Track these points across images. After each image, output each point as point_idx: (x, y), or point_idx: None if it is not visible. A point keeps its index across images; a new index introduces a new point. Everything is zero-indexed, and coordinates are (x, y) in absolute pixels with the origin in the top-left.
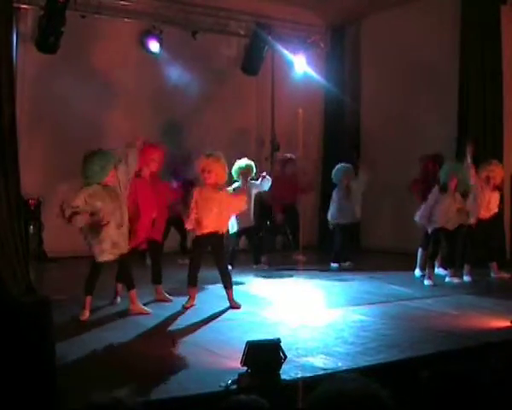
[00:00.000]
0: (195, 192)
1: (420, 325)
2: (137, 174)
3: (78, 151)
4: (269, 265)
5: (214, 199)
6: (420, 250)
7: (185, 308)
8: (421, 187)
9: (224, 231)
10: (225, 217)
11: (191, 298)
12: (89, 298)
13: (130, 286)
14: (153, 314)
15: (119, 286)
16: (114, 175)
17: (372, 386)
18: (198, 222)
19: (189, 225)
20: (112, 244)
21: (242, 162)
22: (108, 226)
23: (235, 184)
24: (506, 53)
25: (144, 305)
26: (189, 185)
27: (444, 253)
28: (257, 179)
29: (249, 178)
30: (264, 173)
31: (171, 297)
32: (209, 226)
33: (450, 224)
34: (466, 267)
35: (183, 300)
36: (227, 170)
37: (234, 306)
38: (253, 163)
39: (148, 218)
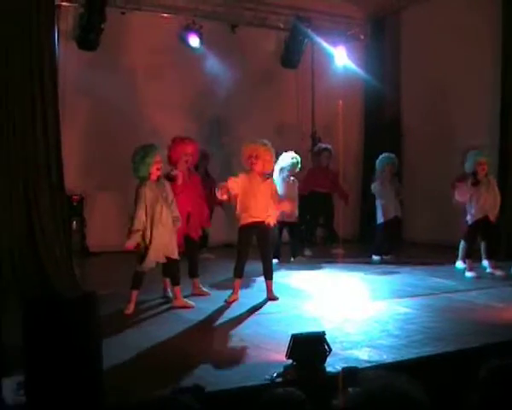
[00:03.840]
0: (241, 176)
1: (464, 317)
2: (172, 170)
3: (118, 148)
4: (308, 258)
5: (261, 188)
6: (462, 242)
7: (228, 303)
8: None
9: (271, 222)
10: (272, 208)
11: (235, 291)
12: (134, 292)
13: (174, 282)
14: (196, 308)
15: (167, 281)
16: (159, 168)
17: (401, 384)
18: (244, 210)
19: (220, 195)
20: (158, 248)
21: (293, 158)
22: (156, 229)
23: (284, 174)
24: None
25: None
26: (211, 178)
27: (486, 244)
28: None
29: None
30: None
31: (208, 291)
32: (255, 215)
33: (491, 214)
34: None
35: (221, 293)
36: (274, 158)
37: (272, 298)
38: (298, 158)
39: (184, 214)
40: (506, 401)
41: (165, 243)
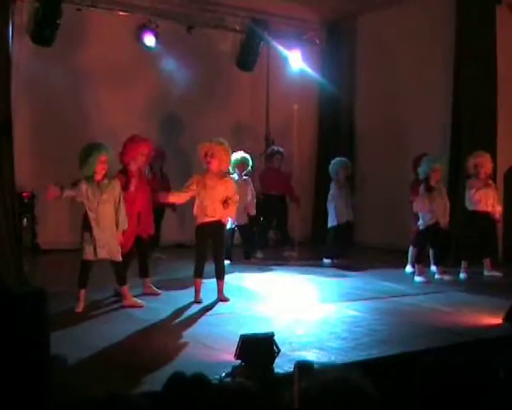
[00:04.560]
0: (196, 178)
1: (412, 320)
2: (123, 170)
3: (71, 144)
4: (260, 260)
5: (217, 187)
6: (411, 247)
7: (197, 303)
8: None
9: (227, 220)
10: (231, 206)
11: (197, 292)
12: (82, 291)
13: (120, 282)
14: (147, 307)
15: (147, 281)
16: (104, 168)
17: (353, 377)
18: (200, 210)
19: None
20: (101, 244)
21: (238, 155)
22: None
23: (234, 177)
24: (500, 50)
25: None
26: (165, 177)
27: (435, 250)
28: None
29: (244, 172)
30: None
31: (159, 290)
32: (211, 215)
33: (442, 220)
34: (463, 264)
35: (172, 293)
36: (231, 157)
37: (222, 299)
38: (248, 156)
39: (135, 214)
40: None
41: (102, 243)
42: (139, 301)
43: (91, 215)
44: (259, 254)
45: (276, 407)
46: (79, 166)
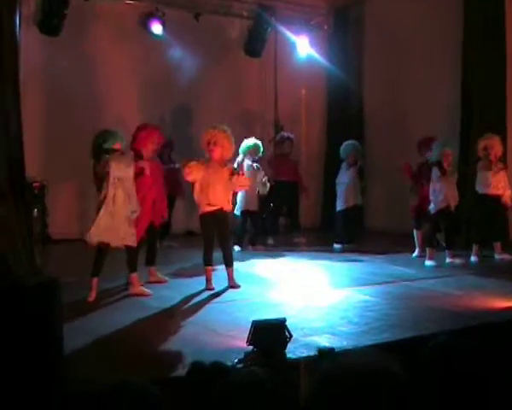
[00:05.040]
0: (200, 163)
1: (423, 305)
2: (136, 156)
3: (81, 134)
4: (267, 247)
5: (219, 175)
6: (415, 231)
7: (208, 290)
8: (413, 169)
9: (229, 208)
10: (229, 194)
11: (209, 280)
12: (94, 280)
13: (130, 269)
14: (158, 295)
15: (152, 270)
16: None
17: (385, 360)
18: (202, 199)
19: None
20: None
21: (251, 141)
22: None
23: (239, 158)
24: (509, 31)
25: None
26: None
27: (446, 234)
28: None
29: (255, 159)
30: (264, 179)
31: (165, 278)
32: (213, 203)
33: (453, 204)
34: (474, 248)
35: (183, 281)
36: (234, 145)
37: (233, 285)
38: (260, 143)
39: (150, 201)
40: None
41: (107, 227)
42: (147, 290)
43: (107, 202)
44: (270, 241)
45: (291, 394)
46: (92, 154)
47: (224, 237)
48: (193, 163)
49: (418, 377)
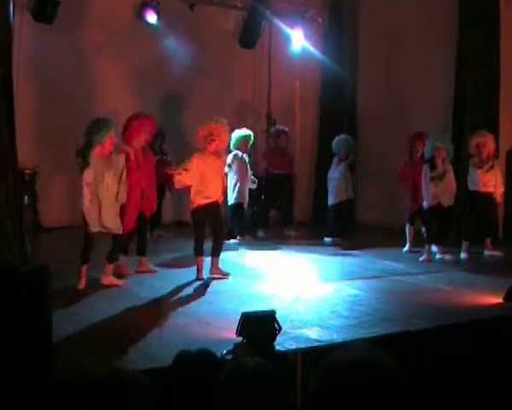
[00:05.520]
0: (197, 158)
1: (412, 300)
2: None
3: (72, 122)
4: (257, 239)
5: (214, 167)
6: (407, 226)
7: (199, 280)
8: (407, 171)
9: (221, 200)
10: (223, 186)
11: (200, 270)
12: (84, 267)
13: (111, 259)
14: (148, 285)
15: (143, 260)
16: (112, 143)
17: (383, 355)
18: (198, 192)
19: (178, 185)
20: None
21: (242, 132)
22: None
23: (229, 159)
24: (504, 34)
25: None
26: (165, 156)
27: (437, 230)
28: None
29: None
30: (253, 178)
31: (155, 268)
32: (208, 196)
33: (443, 200)
34: (464, 244)
35: (173, 271)
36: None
37: (217, 273)
38: (251, 133)
39: (138, 190)
40: (453, 384)
41: (104, 216)
42: (119, 280)
43: (95, 189)
44: (260, 233)
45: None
46: (87, 140)
47: (220, 228)
48: (182, 171)
49: (416, 380)
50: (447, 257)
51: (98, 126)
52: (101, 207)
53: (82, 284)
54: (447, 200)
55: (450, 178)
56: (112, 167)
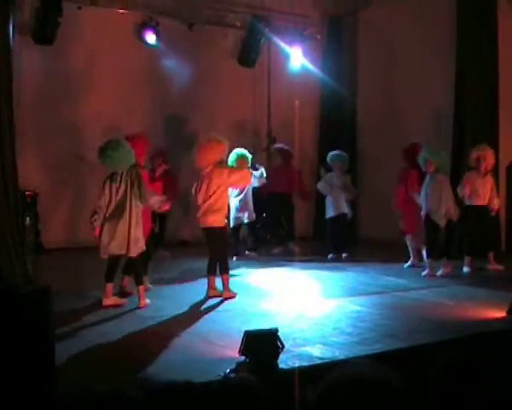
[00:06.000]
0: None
1: (416, 315)
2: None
3: (74, 143)
4: (259, 256)
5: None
6: (410, 238)
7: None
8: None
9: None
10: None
11: (213, 288)
12: (109, 285)
13: (138, 282)
14: (152, 304)
15: (126, 278)
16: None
17: (386, 372)
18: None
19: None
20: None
21: (239, 151)
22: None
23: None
24: (502, 47)
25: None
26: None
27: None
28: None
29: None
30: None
31: (149, 285)
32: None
33: (431, 213)
34: (466, 259)
35: (176, 289)
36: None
37: (229, 295)
38: (247, 153)
39: (148, 212)
40: (459, 398)
41: (112, 237)
42: (122, 299)
43: (110, 211)
44: (276, 250)
45: (282, 401)
46: (101, 161)
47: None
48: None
49: (421, 395)
50: (439, 272)
51: (111, 149)
52: (119, 230)
53: (107, 302)
54: (435, 212)
55: (438, 190)
56: (126, 188)
